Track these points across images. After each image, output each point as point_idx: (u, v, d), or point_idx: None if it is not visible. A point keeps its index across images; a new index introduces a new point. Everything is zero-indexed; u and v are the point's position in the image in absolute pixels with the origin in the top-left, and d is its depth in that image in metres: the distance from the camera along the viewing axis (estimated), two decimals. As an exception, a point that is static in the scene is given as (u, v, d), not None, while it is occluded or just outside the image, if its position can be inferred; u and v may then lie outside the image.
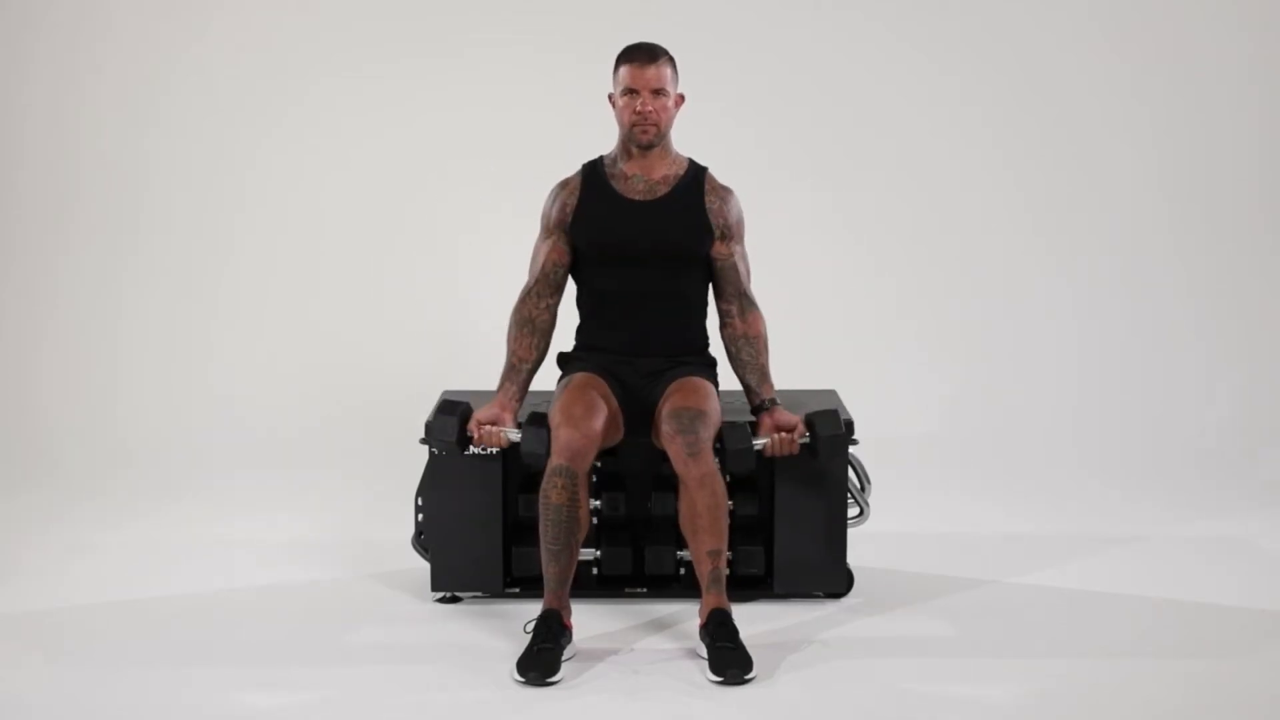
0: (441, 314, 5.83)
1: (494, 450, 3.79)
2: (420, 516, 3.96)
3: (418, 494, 3.97)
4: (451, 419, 3.69)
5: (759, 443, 3.67)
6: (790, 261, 5.62)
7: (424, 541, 3.96)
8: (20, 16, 5.74)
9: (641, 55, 3.67)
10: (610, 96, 3.76)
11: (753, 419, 3.77)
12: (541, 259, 3.78)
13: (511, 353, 3.76)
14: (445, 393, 4.12)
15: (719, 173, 3.83)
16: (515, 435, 3.67)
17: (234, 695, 3.31)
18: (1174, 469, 5.28)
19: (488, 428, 3.68)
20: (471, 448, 3.75)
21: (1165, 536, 4.55)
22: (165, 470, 5.29)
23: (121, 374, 5.76)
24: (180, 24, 5.79)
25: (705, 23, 5.75)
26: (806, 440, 3.70)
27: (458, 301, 5.83)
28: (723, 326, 3.82)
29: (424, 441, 3.84)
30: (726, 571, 3.58)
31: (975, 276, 5.88)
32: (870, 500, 4.05)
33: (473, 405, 3.75)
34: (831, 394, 4.17)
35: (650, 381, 3.75)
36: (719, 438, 3.64)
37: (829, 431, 3.69)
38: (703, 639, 3.49)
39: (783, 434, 3.68)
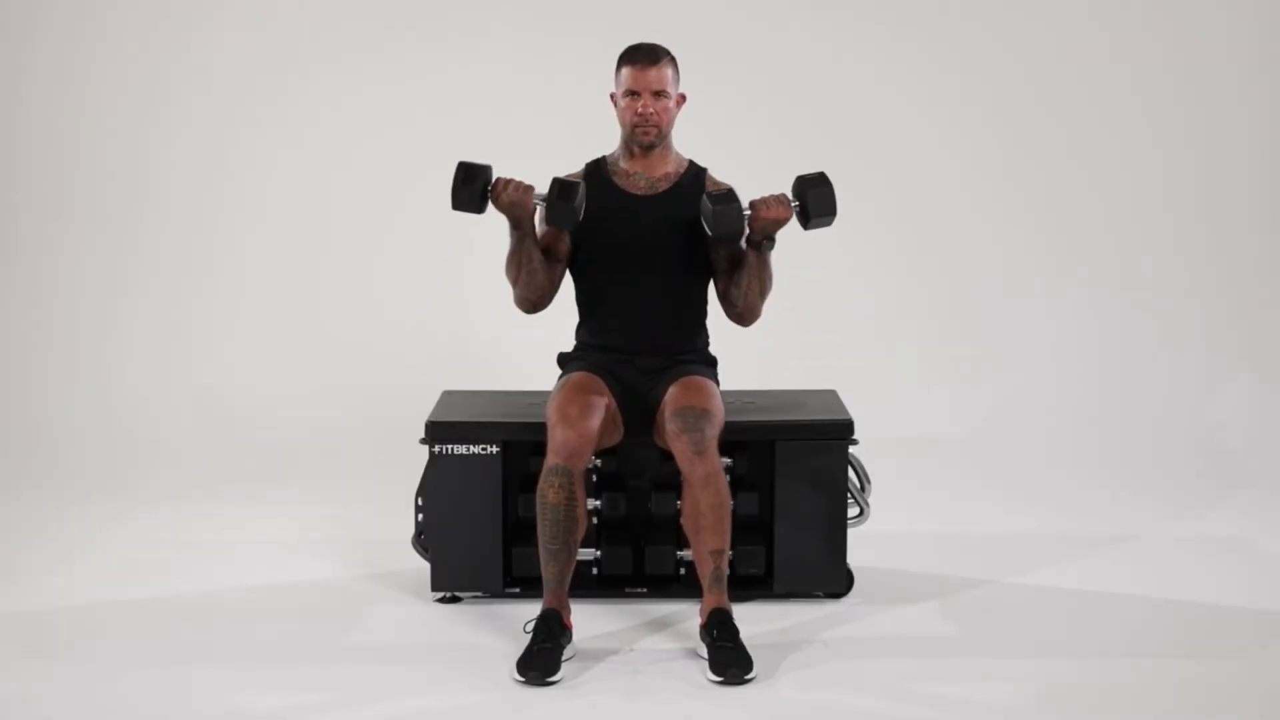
0: (441, 314, 5.84)
1: (523, 200, 3.60)
2: (420, 516, 3.96)
3: (418, 494, 3.97)
4: (477, 170, 3.58)
5: (747, 209, 3.59)
6: (790, 261, 5.60)
7: (424, 541, 3.96)
8: (20, 16, 5.75)
9: (643, 57, 3.68)
10: (612, 96, 3.76)
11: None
12: (542, 236, 3.76)
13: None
14: (443, 392, 4.12)
15: (719, 173, 3.84)
16: (542, 192, 3.59)
17: (234, 695, 3.31)
18: (1174, 469, 5.28)
19: (516, 181, 3.60)
20: (493, 205, 3.62)
21: (1165, 536, 4.56)
22: (165, 470, 5.29)
23: (121, 373, 5.75)
24: (180, 23, 5.79)
25: (705, 23, 5.75)
26: (797, 206, 3.64)
27: (458, 302, 5.84)
28: (722, 292, 3.79)
29: (423, 441, 3.84)
30: (728, 571, 3.58)
31: (975, 276, 5.88)
32: (870, 500, 4.05)
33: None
34: (832, 394, 4.17)
35: (650, 380, 3.75)
36: (705, 207, 3.58)
37: (815, 185, 3.61)
38: (703, 639, 3.49)
39: (768, 196, 3.63)
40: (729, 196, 3.59)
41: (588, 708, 3.25)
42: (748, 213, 3.61)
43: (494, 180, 3.63)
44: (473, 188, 3.60)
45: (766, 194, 3.65)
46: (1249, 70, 5.79)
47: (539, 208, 3.64)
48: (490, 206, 3.64)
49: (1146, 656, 3.55)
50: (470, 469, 3.85)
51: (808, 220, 3.67)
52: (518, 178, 3.63)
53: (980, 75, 5.85)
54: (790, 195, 3.66)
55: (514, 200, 3.61)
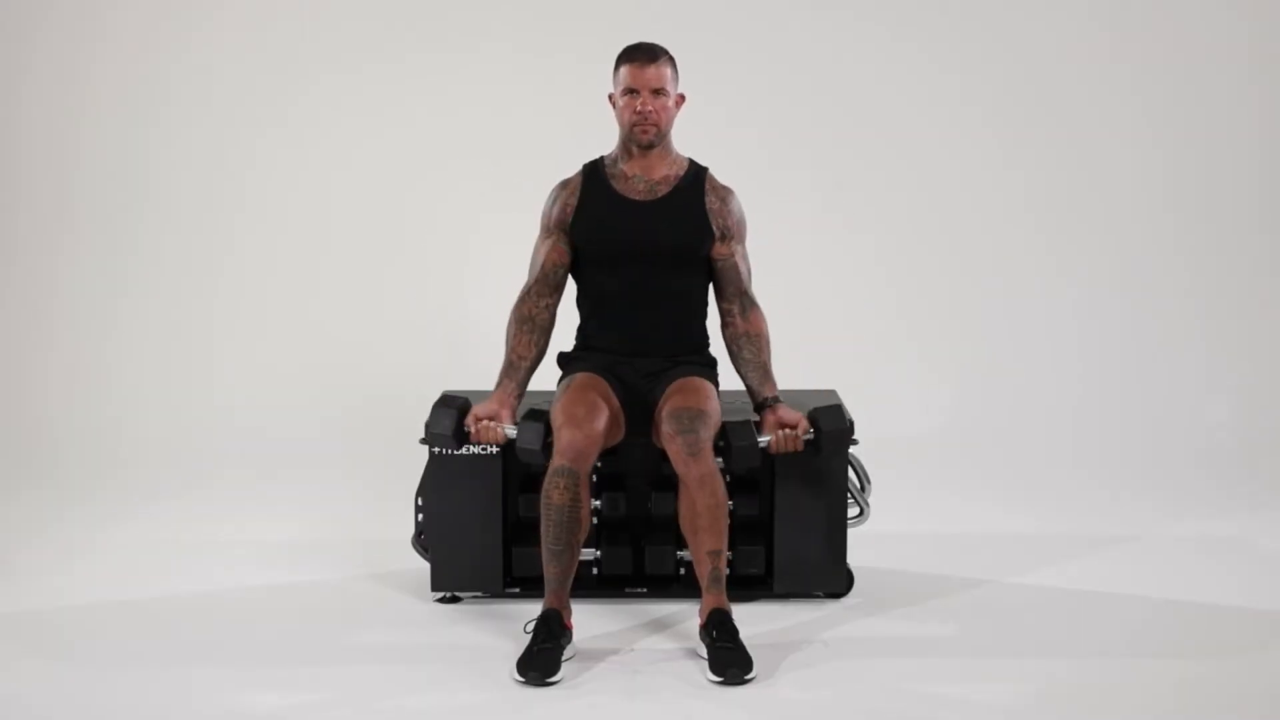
0: (442, 314, 5.84)
1: (493, 448, 3.80)
2: (420, 516, 3.96)
3: (418, 494, 3.97)
4: (449, 413, 3.69)
5: (763, 440, 3.67)
6: (790, 261, 5.62)
7: (424, 541, 3.96)
8: (20, 16, 5.74)
9: (642, 55, 3.68)
10: (610, 96, 3.76)
11: (755, 417, 3.77)
12: (541, 259, 3.78)
13: (511, 350, 3.76)
14: (445, 392, 4.12)
15: (719, 173, 3.83)
16: (513, 431, 3.66)
17: (234, 695, 3.31)
18: (1174, 469, 5.28)
19: (485, 423, 3.67)
20: (469, 444, 3.76)
21: (1165, 536, 4.56)
22: (165, 470, 5.29)
23: (121, 374, 5.76)
24: (180, 23, 5.79)
25: (705, 23, 5.75)
26: (810, 437, 3.69)
27: (458, 301, 5.84)
28: (724, 326, 3.82)
29: (424, 441, 3.84)
30: (726, 571, 3.58)
31: (975, 276, 5.88)
32: (870, 500, 4.05)
33: (471, 402, 3.75)
34: (831, 394, 4.17)
35: (650, 381, 3.75)
36: (723, 435, 3.64)
37: (832, 426, 3.69)
38: (703, 639, 3.49)
39: (786, 430, 3.68)
40: (748, 433, 3.62)
41: (588, 708, 3.25)
42: (765, 441, 3.67)
43: (467, 424, 3.69)
44: (446, 438, 3.71)
45: (785, 427, 3.68)
46: (1249, 70, 5.79)
47: (511, 434, 3.67)
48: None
49: (1146, 656, 3.55)
50: (470, 469, 3.85)
51: (818, 454, 3.73)
52: (485, 420, 3.67)
53: (980, 75, 5.85)
54: (807, 424, 3.70)
55: (489, 443, 3.72)
